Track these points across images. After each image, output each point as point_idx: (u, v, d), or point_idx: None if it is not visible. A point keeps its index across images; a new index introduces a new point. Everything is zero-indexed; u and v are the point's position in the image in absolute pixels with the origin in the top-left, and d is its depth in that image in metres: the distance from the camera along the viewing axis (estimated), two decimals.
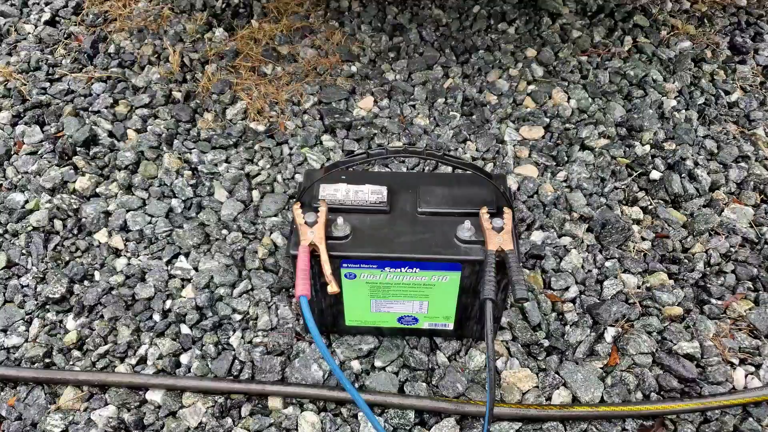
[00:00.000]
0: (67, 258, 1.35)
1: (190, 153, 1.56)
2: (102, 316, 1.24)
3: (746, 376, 1.15)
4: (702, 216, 1.40)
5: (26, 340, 1.22)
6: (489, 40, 1.89)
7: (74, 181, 1.49)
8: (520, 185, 1.48)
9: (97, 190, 1.48)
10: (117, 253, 1.36)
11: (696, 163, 1.54)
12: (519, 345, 1.18)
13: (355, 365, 1.16)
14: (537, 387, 1.13)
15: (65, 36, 1.91)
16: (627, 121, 1.64)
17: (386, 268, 1.01)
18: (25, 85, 1.74)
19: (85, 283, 1.31)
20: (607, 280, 1.29)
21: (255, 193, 1.47)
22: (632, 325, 1.22)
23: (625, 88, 1.73)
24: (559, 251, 1.34)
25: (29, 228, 1.40)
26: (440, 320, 1.13)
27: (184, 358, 1.18)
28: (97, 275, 1.31)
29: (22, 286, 1.30)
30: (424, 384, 1.13)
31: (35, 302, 1.27)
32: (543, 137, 1.61)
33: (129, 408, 1.11)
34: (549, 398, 1.12)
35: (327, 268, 0.95)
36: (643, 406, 1.07)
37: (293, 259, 0.98)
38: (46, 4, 2.02)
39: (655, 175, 1.50)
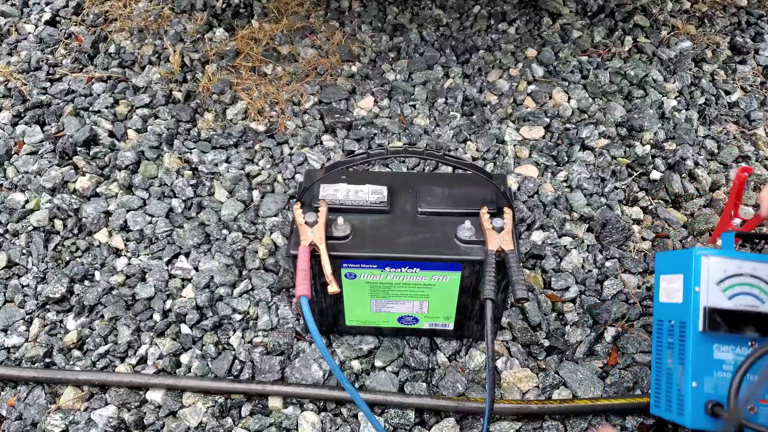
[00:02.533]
0: (68, 258, 1.35)
1: (191, 153, 1.56)
2: (102, 316, 1.25)
3: None
4: (702, 216, 1.40)
5: (26, 340, 1.22)
6: (489, 40, 1.89)
7: (74, 181, 1.49)
8: (520, 185, 1.48)
9: (98, 189, 1.48)
10: (117, 252, 1.36)
11: (696, 163, 1.54)
12: (519, 345, 1.19)
13: (355, 365, 1.16)
14: (537, 387, 1.13)
15: (66, 36, 1.92)
16: (627, 121, 1.64)
17: (386, 268, 1.01)
18: (26, 85, 1.74)
19: (86, 282, 1.31)
20: (607, 280, 1.29)
21: (255, 193, 1.47)
22: (632, 324, 1.22)
23: (626, 88, 1.73)
24: (559, 251, 1.34)
25: (30, 228, 1.40)
26: (440, 320, 1.13)
27: (184, 358, 1.18)
28: (97, 275, 1.32)
29: (23, 286, 1.31)
30: (424, 384, 1.13)
31: (35, 302, 1.27)
32: (543, 137, 1.61)
33: (129, 408, 1.12)
34: (549, 398, 1.12)
35: (327, 268, 0.95)
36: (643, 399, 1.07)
37: (293, 259, 0.99)
38: (47, 4, 2.02)
39: (655, 175, 1.50)
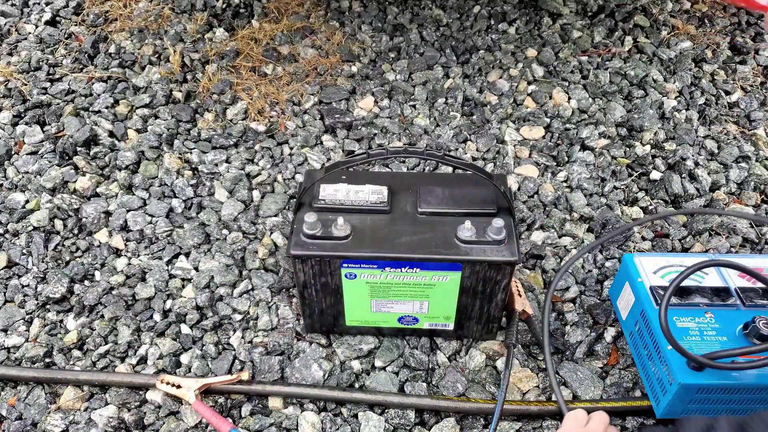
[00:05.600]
0: (68, 258, 1.35)
1: (191, 153, 1.56)
2: (102, 316, 1.25)
3: None
4: (702, 216, 1.40)
5: (26, 340, 1.22)
6: (489, 40, 1.89)
7: (75, 181, 1.49)
8: (520, 185, 1.48)
9: (98, 190, 1.48)
10: (117, 253, 1.37)
11: (696, 164, 1.54)
12: (519, 345, 1.18)
13: (356, 365, 1.16)
14: (537, 387, 1.13)
15: (66, 36, 1.92)
16: (627, 121, 1.64)
17: (386, 268, 1.01)
18: (26, 85, 1.74)
19: (86, 282, 1.31)
20: (607, 280, 1.29)
21: (255, 193, 1.47)
22: None
23: (626, 89, 1.73)
24: (559, 251, 1.34)
25: (30, 228, 1.40)
26: (440, 320, 1.13)
27: (184, 358, 1.18)
28: (97, 275, 1.32)
29: (23, 286, 1.31)
30: (424, 384, 1.13)
31: (36, 302, 1.27)
32: (543, 137, 1.61)
33: (129, 408, 1.12)
34: (549, 398, 1.12)
35: None
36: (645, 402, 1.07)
37: (293, 259, 0.99)
38: (47, 4, 2.03)
39: (655, 175, 1.50)
